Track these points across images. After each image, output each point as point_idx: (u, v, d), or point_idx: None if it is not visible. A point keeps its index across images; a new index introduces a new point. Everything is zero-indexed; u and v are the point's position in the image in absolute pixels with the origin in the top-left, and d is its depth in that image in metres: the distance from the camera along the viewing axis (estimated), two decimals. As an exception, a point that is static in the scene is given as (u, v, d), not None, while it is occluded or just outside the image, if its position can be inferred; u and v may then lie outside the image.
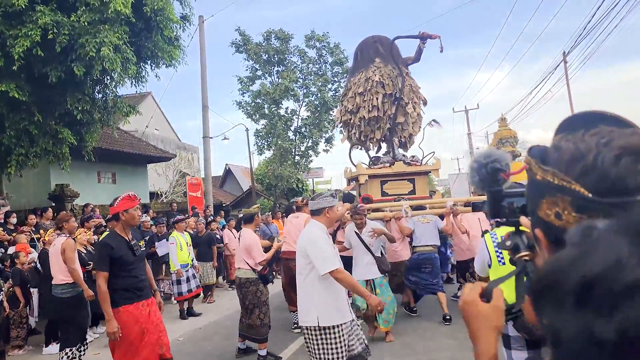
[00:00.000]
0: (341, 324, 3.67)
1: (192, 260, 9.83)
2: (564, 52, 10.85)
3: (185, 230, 10.36)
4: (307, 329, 3.72)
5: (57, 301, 6.24)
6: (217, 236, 13.07)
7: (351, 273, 5.31)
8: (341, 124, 10.00)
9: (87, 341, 6.46)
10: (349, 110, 9.63)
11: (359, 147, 10.09)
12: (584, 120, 1.00)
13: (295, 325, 7.08)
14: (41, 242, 8.04)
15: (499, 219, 1.44)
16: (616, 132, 0.89)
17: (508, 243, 1.30)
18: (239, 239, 6.50)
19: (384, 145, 9.94)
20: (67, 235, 6.45)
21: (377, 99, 9.23)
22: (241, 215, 15.01)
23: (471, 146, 36.40)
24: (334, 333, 3.63)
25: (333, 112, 19.58)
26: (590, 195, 0.83)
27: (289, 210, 9.98)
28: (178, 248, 9.46)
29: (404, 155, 9.64)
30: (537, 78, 70.76)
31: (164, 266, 10.88)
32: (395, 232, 7.38)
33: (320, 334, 3.64)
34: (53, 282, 6.30)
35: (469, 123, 34.65)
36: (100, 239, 7.38)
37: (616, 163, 0.84)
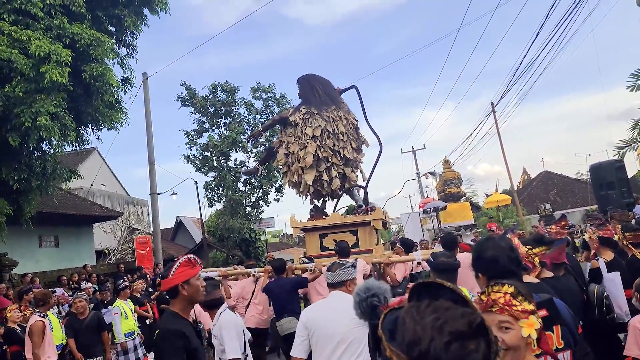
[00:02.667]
0: None
1: (138, 328, 9.52)
2: (492, 103, 11.55)
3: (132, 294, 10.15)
4: None
5: None
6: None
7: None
8: (313, 163, 8.65)
9: None
10: (330, 147, 8.63)
11: (356, 188, 9.31)
12: (430, 290, 1.14)
13: None
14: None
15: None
16: (450, 312, 1.01)
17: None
18: None
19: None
20: (40, 314, 6.55)
21: (353, 141, 8.88)
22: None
23: (420, 185, 37.20)
24: None
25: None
26: None
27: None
28: (123, 317, 9.16)
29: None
30: (480, 114, 74.05)
31: (110, 335, 10.47)
32: None
33: None
34: None
35: (417, 162, 35.59)
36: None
37: (447, 349, 0.96)
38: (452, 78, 74.16)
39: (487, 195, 27.06)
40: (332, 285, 3.55)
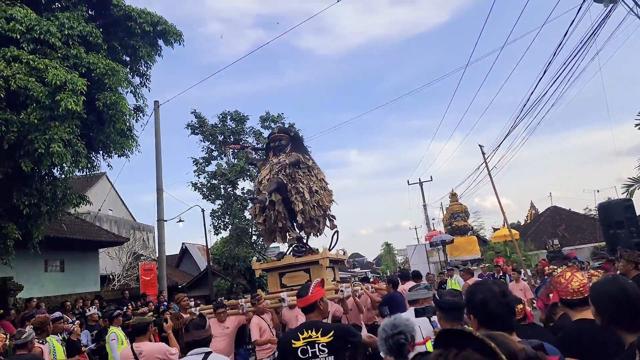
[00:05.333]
0: None
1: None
2: (481, 146, 11.55)
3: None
4: None
5: None
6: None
7: None
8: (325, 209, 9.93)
9: None
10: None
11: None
12: (458, 338, 1.05)
13: None
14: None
15: None
16: None
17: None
18: (134, 356, 5.02)
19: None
20: (39, 341, 6.30)
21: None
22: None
23: (427, 217, 37.07)
24: None
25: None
26: None
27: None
28: (119, 343, 9.11)
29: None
30: (487, 147, 73.97)
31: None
32: None
33: None
34: None
35: (424, 194, 35.54)
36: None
37: None
38: (460, 110, 74.75)
39: (495, 230, 26.90)
40: (410, 303, 4.79)
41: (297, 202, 9.30)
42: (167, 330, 6.01)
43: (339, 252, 10.22)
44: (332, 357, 3.38)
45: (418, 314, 4.81)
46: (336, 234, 10.10)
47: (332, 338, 3.37)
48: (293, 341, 3.48)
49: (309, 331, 3.45)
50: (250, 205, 9.78)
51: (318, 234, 9.88)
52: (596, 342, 2.61)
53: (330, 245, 10.01)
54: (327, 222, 9.93)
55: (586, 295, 2.79)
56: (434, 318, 4.03)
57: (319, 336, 3.38)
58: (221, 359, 3.83)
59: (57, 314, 9.92)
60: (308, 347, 3.38)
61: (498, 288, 2.34)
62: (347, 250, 10.80)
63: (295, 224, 9.73)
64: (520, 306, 3.76)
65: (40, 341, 6.58)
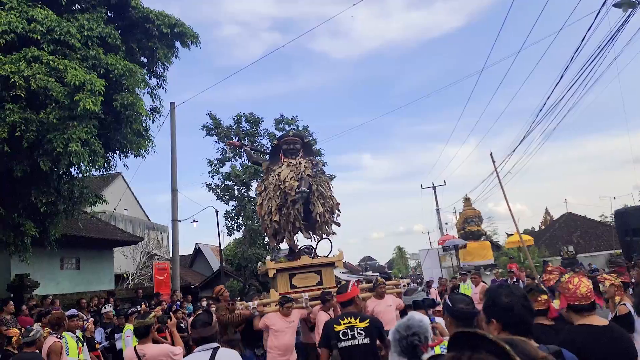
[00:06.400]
0: None
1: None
2: (491, 153, 11.43)
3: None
4: None
5: None
6: (182, 325, 12.70)
7: None
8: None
9: None
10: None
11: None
12: (471, 341, 1.04)
13: None
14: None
15: None
16: None
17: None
18: (138, 359, 4.95)
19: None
20: (58, 336, 6.42)
21: None
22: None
23: (440, 221, 36.88)
24: None
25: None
26: None
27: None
28: (134, 340, 9.20)
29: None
30: (502, 152, 73.82)
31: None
32: None
33: None
34: None
35: (437, 198, 35.36)
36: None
37: None
38: (475, 115, 74.39)
39: (508, 235, 26.70)
40: (408, 306, 5.01)
41: (317, 203, 9.35)
42: (171, 327, 6.10)
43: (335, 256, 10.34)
44: (368, 339, 4.07)
45: (417, 306, 4.81)
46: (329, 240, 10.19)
47: (368, 324, 4.13)
48: (335, 326, 4.20)
49: (349, 318, 4.20)
50: (260, 201, 9.67)
51: (325, 236, 9.89)
52: (597, 347, 2.62)
53: (315, 249, 10.06)
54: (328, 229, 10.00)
55: (593, 300, 2.82)
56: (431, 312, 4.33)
57: (357, 322, 4.13)
58: (230, 353, 3.74)
59: (72, 311, 10.06)
60: (348, 330, 4.11)
61: (519, 292, 2.35)
62: (360, 254, 10.78)
63: (307, 226, 9.73)
64: (545, 296, 3.61)
65: (58, 336, 6.69)
